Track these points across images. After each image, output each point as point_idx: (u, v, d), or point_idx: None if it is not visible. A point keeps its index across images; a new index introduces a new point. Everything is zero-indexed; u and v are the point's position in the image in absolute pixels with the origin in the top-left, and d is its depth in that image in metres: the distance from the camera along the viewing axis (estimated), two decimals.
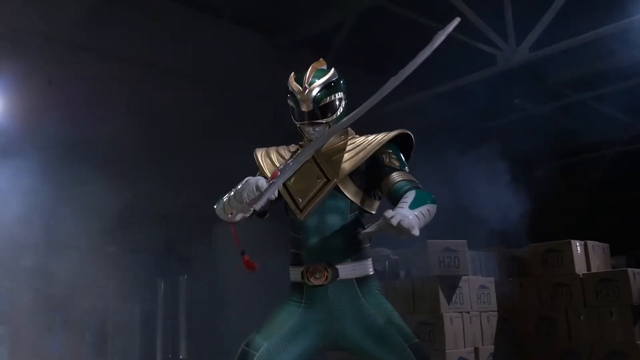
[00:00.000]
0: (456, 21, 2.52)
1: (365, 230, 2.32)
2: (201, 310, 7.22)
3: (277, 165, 2.71)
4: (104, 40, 7.21)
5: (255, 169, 2.82)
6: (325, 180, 2.59)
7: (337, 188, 2.59)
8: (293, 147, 2.82)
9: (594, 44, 7.65)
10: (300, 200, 2.60)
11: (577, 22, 7.26)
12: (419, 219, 2.21)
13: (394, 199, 2.48)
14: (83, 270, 6.14)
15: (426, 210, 2.28)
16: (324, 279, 2.52)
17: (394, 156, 2.62)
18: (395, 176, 2.54)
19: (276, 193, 2.49)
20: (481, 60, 7.95)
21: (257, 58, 8.73)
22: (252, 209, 2.40)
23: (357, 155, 2.61)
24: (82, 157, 6.13)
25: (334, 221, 2.56)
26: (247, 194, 2.39)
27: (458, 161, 7.41)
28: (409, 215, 2.17)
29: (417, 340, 2.48)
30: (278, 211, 2.79)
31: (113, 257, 6.75)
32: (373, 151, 2.61)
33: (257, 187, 2.38)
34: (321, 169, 2.62)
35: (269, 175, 2.61)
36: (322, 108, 2.61)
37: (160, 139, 7.33)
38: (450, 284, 5.73)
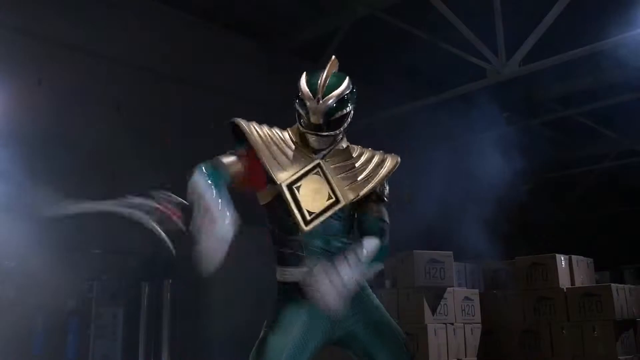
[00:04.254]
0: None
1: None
2: (185, 314, 7.18)
3: (262, 141, 2.74)
4: (96, 41, 7.19)
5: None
6: (334, 200, 2.61)
7: None
8: (286, 134, 2.78)
9: (584, 60, 7.72)
10: (307, 213, 2.58)
11: (567, 38, 7.33)
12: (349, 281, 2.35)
13: (360, 228, 2.66)
14: (67, 271, 6.10)
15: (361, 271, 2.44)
16: None
17: (385, 184, 2.73)
18: (374, 210, 2.66)
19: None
20: (471, 73, 7.99)
21: (249, 63, 8.74)
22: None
23: (365, 183, 2.66)
24: (70, 157, 6.10)
25: (334, 225, 2.62)
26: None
27: (445, 173, 7.45)
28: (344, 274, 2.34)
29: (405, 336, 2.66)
30: (258, 219, 2.78)
31: (98, 259, 6.71)
32: (380, 183, 2.68)
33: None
34: (330, 186, 2.63)
35: (254, 144, 2.69)
36: (331, 121, 2.59)
37: (149, 141, 7.31)
38: (435, 295, 5.74)
